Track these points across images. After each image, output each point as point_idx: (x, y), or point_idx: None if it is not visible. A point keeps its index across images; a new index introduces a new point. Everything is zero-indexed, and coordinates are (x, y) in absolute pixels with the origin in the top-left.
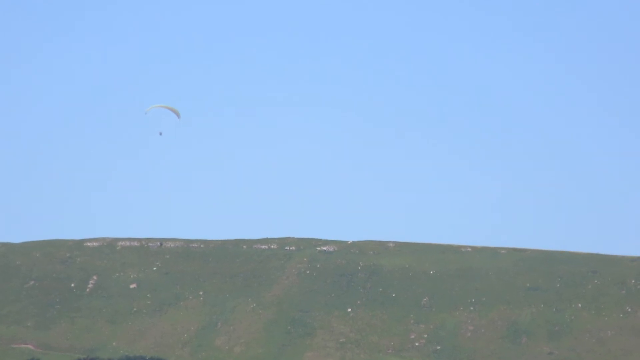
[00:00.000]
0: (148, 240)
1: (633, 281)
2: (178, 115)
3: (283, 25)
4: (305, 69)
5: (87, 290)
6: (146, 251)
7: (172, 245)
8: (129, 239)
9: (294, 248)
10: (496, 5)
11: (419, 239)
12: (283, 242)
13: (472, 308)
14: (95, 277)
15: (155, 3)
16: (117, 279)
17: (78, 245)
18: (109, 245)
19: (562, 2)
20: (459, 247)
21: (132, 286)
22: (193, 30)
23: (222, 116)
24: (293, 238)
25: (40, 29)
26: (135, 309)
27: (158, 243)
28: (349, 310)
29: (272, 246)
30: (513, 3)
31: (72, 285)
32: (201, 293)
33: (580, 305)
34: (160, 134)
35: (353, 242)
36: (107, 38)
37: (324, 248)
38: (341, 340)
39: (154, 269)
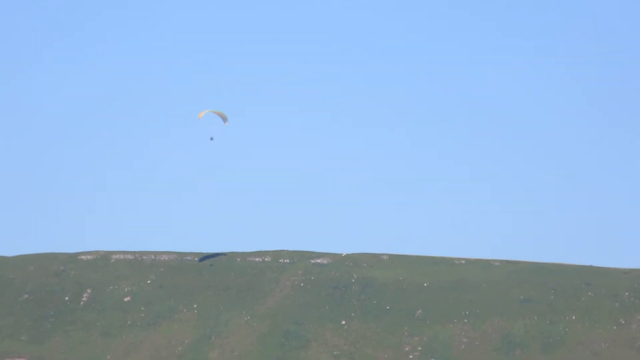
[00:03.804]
0: (142, 253)
1: (627, 293)
2: (225, 120)
3: (279, 31)
4: (298, 75)
5: (81, 303)
6: (140, 264)
7: (166, 258)
8: (123, 252)
9: (288, 261)
10: (494, 7)
11: (412, 252)
12: (277, 255)
13: (465, 320)
14: (89, 290)
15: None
16: (111, 292)
17: (72, 258)
18: (103, 258)
19: (561, 4)
20: (452, 259)
21: (126, 299)
22: (189, 33)
23: (213, 128)
24: (287, 251)
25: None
26: (129, 322)
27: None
28: (343, 322)
29: (266, 259)
30: (511, 6)
31: (66, 298)
32: (195, 306)
33: (574, 317)
34: (212, 139)
35: (347, 254)
36: (105, 41)
37: (318, 261)
38: (335, 353)
39: (148, 282)
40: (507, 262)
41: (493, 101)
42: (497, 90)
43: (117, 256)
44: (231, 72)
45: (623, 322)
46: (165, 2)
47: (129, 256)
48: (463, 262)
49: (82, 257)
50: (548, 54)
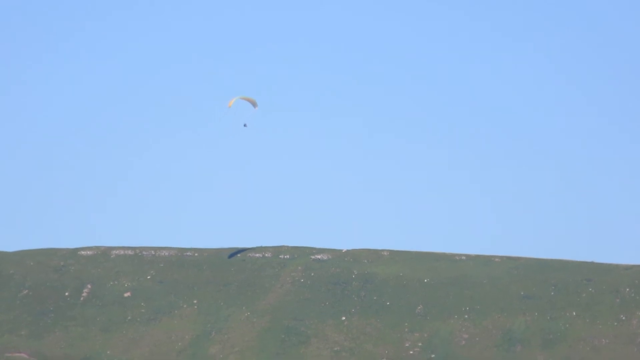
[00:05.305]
0: (142, 248)
1: (627, 289)
2: (255, 105)
3: (281, 32)
4: (298, 74)
5: (81, 298)
6: (140, 260)
7: (166, 254)
8: (123, 248)
9: (288, 256)
10: (491, 8)
11: (413, 247)
12: (277, 250)
13: (466, 316)
14: (89, 286)
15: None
16: (111, 288)
17: (72, 253)
18: (103, 254)
19: (559, 5)
20: (453, 255)
21: (126, 295)
22: (189, 33)
23: (213, 125)
24: (287, 246)
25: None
26: (129, 318)
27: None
28: (343, 318)
29: (267, 255)
30: (508, 6)
31: (66, 293)
32: (195, 302)
33: (574, 313)
34: (245, 125)
35: (347, 250)
36: (106, 43)
37: (318, 256)
38: (335, 349)
39: (148, 277)
40: (508, 258)
41: (494, 99)
42: (494, 92)
43: (117, 252)
44: (232, 73)
45: (624, 318)
46: (181, 4)
47: (129, 252)
48: (464, 258)
49: (82, 252)
50: (547, 53)
